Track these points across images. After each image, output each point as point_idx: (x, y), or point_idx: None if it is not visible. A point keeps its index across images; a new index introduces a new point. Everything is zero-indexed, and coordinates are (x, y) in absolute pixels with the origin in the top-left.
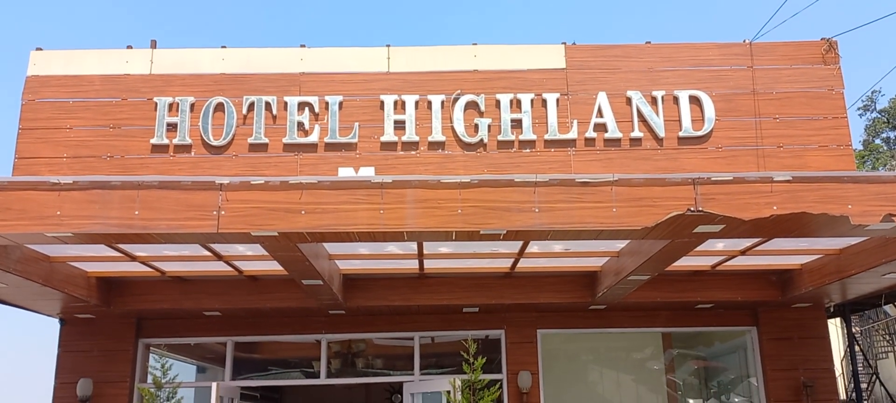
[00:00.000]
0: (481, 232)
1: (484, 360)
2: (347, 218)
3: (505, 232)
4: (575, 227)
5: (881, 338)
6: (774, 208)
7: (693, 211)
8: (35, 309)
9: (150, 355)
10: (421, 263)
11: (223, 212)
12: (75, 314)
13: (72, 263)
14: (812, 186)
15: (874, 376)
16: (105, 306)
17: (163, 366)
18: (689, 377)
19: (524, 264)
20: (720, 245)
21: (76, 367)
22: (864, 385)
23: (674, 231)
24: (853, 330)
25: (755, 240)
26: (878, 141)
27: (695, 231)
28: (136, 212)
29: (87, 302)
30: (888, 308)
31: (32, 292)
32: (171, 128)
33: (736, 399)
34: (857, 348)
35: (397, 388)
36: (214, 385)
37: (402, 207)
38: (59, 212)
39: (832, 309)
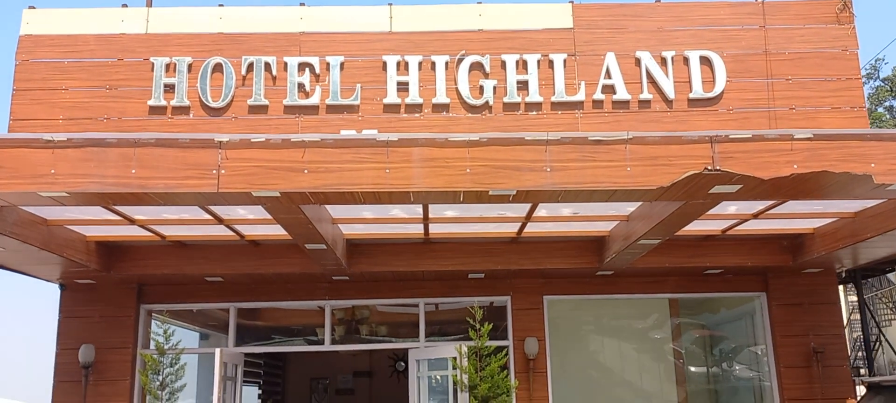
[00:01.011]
0: (490, 193)
1: (490, 326)
2: (352, 177)
3: (515, 192)
4: (587, 187)
5: (884, 306)
6: (795, 166)
7: (710, 171)
8: (34, 274)
9: (153, 321)
10: (426, 228)
11: (223, 171)
12: (75, 279)
13: (70, 227)
14: (834, 144)
15: (879, 341)
16: (105, 271)
17: (165, 332)
18: (695, 345)
19: (531, 229)
20: (733, 208)
21: (78, 333)
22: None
23: (689, 191)
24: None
25: (769, 203)
26: (880, 109)
27: (711, 191)
28: (133, 171)
29: (87, 266)
30: (892, 275)
31: (31, 256)
32: (169, 89)
33: (737, 368)
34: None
35: (400, 356)
36: (218, 351)
37: (408, 166)
38: (53, 171)
39: (844, 275)
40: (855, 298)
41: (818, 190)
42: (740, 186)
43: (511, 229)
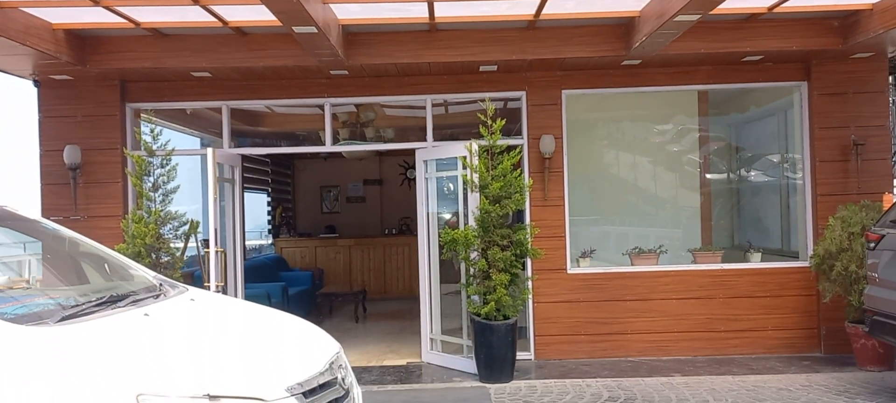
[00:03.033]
0: None
1: (503, 122)
2: None
3: None
4: None
5: None
6: None
7: None
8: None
9: (142, 122)
10: (431, 9)
11: None
12: (50, 75)
13: (28, 10)
14: None
15: None
16: (80, 65)
17: (152, 131)
18: (719, 145)
19: (550, 10)
20: None
21: (60, 134)
22: None
23: None
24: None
25: None
26: None
27: None
28: None
29: (58, 58)
30: None
31: None
32: None
33: (761, 170)
34: None
35: (412, 163)
36: (210, 150)
37: None
38: None
39: None
40: None
41: None
42: None
43: (527, 11)
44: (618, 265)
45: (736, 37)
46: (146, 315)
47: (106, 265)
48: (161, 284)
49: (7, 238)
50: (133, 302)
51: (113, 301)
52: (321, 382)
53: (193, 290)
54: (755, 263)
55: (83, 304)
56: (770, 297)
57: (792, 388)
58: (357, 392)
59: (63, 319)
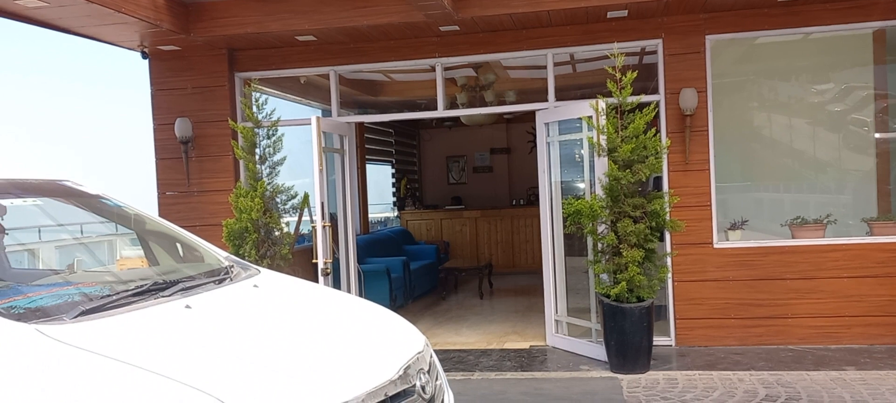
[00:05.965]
0: None
1: (634, 75)
2: None
3: None
4: None
5: None
6: None
7: None
8: (101, 37)
9: (252, 92)
10: None
11: None
12: (158, 46)
13: None
14: None
15: None
16: (184, 33)
17: (256, 100)
18: None
19: None
20: None
21: (172, 107)
22: None
23: None
24: None
25: None
26: None
27: None
28: None
29: (159, 26)
30: None
31: (82, 12)
32: None
33: None
34: None
35: None
36: (314, 118)
37: None
38: None
39: None
40: None
41: None
42: None
43: None
44: (775, 237)
45: None
46: (187, 307)
47: (178, 244)
48: (231, 267)
49: (76, 216)
50: (183, 289)
51: (159, 288)
52: (391, 393)
53: (265, 274)
54: None
55: (118, 294)
56: None
57: None
58: (448, 397)
59: (83, 313)
